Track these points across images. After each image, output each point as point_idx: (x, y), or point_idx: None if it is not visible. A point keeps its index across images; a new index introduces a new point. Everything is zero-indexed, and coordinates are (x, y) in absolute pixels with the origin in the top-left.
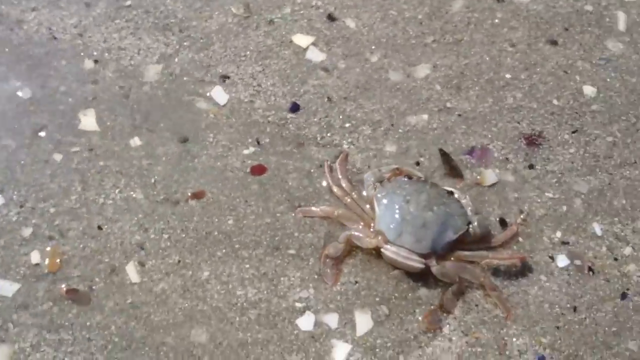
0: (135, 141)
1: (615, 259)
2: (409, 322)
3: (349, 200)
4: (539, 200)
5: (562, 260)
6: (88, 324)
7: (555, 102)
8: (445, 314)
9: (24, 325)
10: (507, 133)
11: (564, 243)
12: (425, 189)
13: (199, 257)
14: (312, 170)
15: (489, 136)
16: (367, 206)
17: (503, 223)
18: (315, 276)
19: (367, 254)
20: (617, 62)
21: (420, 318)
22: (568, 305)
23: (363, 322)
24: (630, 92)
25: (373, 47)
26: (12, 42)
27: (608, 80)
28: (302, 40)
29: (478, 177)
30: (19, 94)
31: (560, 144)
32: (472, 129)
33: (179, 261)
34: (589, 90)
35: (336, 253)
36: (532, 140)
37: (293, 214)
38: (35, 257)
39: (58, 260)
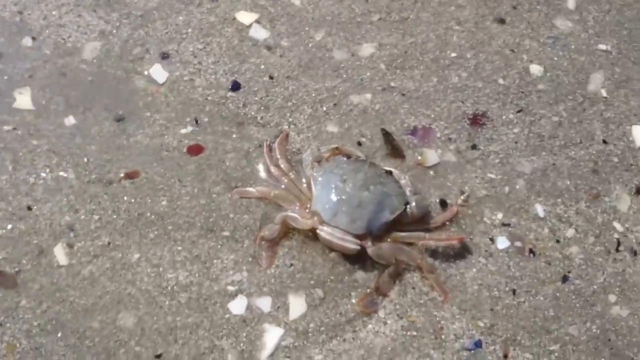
0: (70, 120)
1: (557, 241)
2: (344, 306)
3: (286, 180)
4: (480, 181)
5: (502, 242)
6: (13, 307)
7: (501, 81)
8: (381, 297)
9: None
10: (450, 113)
11: (505, 225)
12: (363, 168)
13: (130, 239)
14: (250, 150)
15: (432, 116)
16: (305, 186)
17: (443, 204)
18: (250, 259)
19: (304, 235)
20: (566, 41)
21: (355, 301)
22: (507, 289)
23: (297, 305)
24: (577, 71)
25: (317, 25)
26: None
27: (555, 59)
28: (245, 17)
29: (419, 157)
30: None
31: (504, 123)
32: (416, 108)
33: (109, 243)
34: (535, 69)
35: (272, 235)
36: (476, 120)
37: (229, 195)
38: None
39: None
